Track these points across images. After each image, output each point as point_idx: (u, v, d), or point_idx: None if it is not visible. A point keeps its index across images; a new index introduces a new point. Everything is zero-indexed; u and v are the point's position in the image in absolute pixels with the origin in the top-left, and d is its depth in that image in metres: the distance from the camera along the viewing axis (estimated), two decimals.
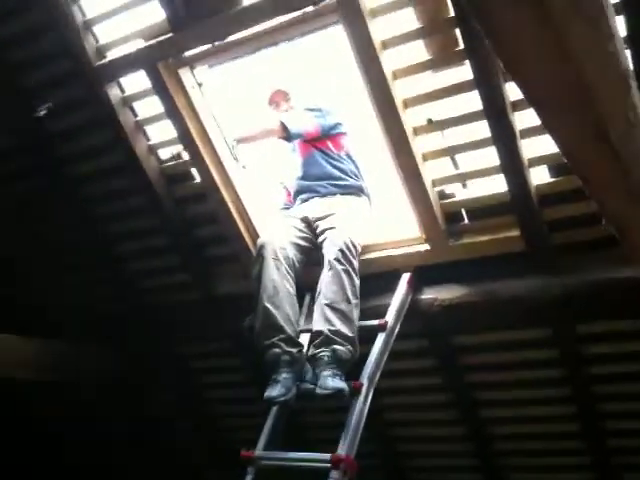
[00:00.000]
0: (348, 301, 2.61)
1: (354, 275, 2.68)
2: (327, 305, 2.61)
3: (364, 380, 2.55)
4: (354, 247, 2.71)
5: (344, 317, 2.58)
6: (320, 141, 3.10)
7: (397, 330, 2.80)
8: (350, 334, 2.57)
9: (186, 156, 3.21)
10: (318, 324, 2.61)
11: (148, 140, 3.28)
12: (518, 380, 3.21)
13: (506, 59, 1.25)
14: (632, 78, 1.16)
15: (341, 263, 2.65)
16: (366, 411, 2.53)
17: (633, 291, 2.47)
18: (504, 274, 2.82)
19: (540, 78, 1.23)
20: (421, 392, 3.52)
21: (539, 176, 2.64)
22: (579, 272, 2.67)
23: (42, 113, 3.07)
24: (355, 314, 2.63)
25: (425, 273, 2.96)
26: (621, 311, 2.66)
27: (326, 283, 2.66)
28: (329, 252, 2.70)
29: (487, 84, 2.43)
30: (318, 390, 2.47)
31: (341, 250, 2.67)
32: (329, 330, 2.55)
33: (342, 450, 2.39)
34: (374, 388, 2.60)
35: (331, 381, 2.45)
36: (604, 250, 2.58)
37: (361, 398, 2.51)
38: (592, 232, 2.63)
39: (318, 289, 2.71)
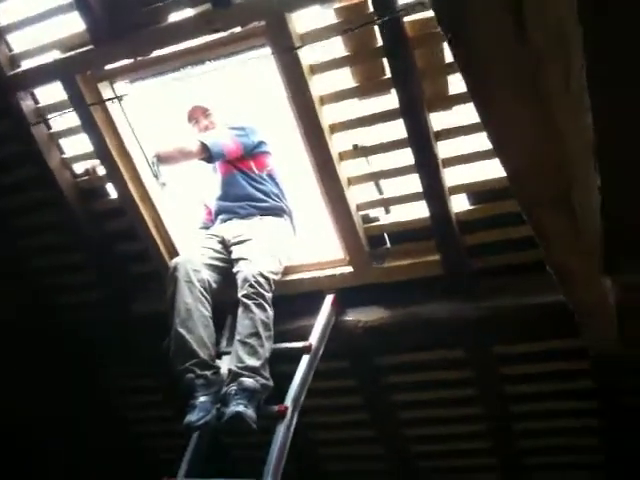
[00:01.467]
0: (258, 335, 2.59)
1: (267, 307, 2.66)
2: (239, 341, 2.60)
3: (288, 403, 2.53)
4: (266, 279, 2.69)
5: (252, 351, 2.56)
6: (242, 161, 3.06)
7: (321, 351, 2.81)
8: (257, 364, 2.54)
9: (102, 171, 3.09)
10: (230, 363, 2.61)
11: (62, 153, 3.14)
12: (436, 399, 3.29)
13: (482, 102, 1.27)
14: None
15: (251, 298, 2.63)
16: (291, 434, 2.52)
17: (551, 314, 2.58)
18: (424, 297, 2.89)
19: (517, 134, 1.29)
20: (343, 411, 3.54)
21: (459, 203, 2.72)
22: (495, 296, 2.77)
23: None
24: (267, 346, 2.61)
25: (349, 295, 2.99)
26: (540, 333, 2.77)
27: (239, 318, 2.65)
28: (240, 287, 2.68)
29: (412, 113, 2.49)
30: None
31: (251, 285, 2.65)
32: (237, 367, 2.53)
33: (267, 476, 2.36)
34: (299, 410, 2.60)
35: (233, 407, 2.42)
36: (520, 275, 2.69)
37: (286, 421, 2.49)
38: (508, 258, 2.73)
39: None
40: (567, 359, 2.91)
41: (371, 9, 2.33)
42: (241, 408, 2.41)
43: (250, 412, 2.43)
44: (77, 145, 3.13)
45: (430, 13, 2.30)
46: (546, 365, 2.99)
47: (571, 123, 1.14)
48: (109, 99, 2.83)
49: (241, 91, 3.03)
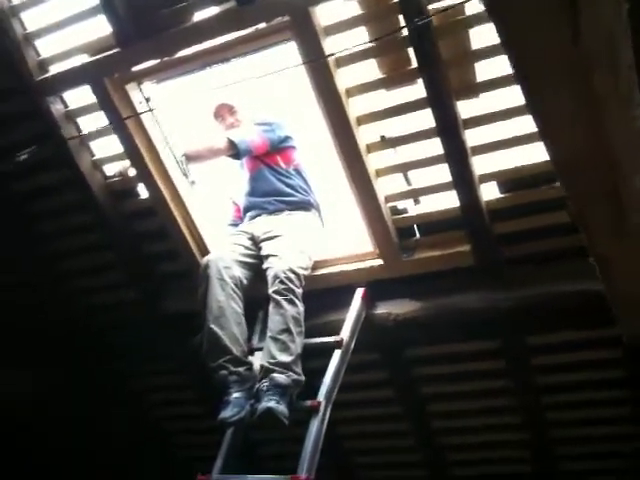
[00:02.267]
0: (289, 331, 2.60)
1: (297, 302, 2.67)
2: (270, 337, 2.61)
3: (321, 398, 2.53)
4: (296, 275, 2.70)
5: (284, 347, 2.57)
6: (269, 156, 3.07)
7: (353, 345, 2.81)
8: (288, 360, 2.54)
9: (133, 172, 3.13)
10: (262, 359, 2.62)
11: (93, 155, 3.18)
12: (469, 390, 3.27)
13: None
14: None
15: (282, 294, 2.64)
16: (324, 429, 2.52)
17: (583, 303, 2.56)
18: (456, 288, 2.87)
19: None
20: (375, 405, 3.54)
21: (489, 192, 2.70)
22: (526, 285, 2.75)
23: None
24: (298, 341, 2.61)
25: (379, 288, 2.98)
26: (572, 322, 2.74)
27: (270, 314, 2.66)
28: (271, 284, 2.69)
29: (439, 102, 2.47)
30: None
31: (281, 281, 2.66)
32: (268, 362, 2.55)
33: (302, 471, 2.37)
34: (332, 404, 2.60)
35: (265, 403, 2.44)
36: (554, 264, 2.67)
37: (319, 416, 2.49)
38: (540, 245, 2.70)
39: None
40: (600, 348, 2.88)
41: None
42: (272, 404, 2.42)
43: (282, 408, 2.44)
44: (107, 147, 3.16)
45: (453, 0, 2.29)
46: (579, 354, 2.95)
47: (620, 120, 1.17)
48: (142, 112, 2.86)
49: (268, 86, 3.03)
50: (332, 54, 2.40)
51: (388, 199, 2.85)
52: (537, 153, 2.52)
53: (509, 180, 2.65)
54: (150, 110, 2.86)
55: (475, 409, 3.34)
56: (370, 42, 2.40)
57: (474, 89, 2.48)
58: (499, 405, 3.29)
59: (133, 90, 2.88)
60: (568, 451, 3.33)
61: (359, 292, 2.96)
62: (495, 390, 3.23)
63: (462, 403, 3.35)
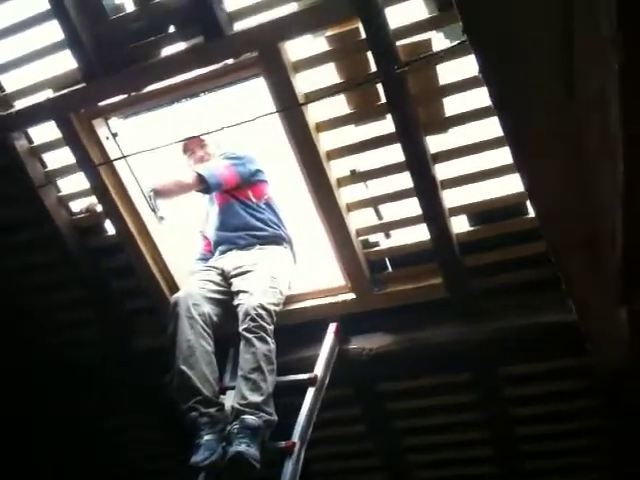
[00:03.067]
0: (260, 370, 2.54)
1: (269, 339, 2.62)
2: (241, 376, 2.56)
3: (296, 439, 2.48)
4: (267, 312, 2.66)
5: (255, 386, 2.51)
6: (239, 190, 3.05)
7: (327, 382, 2.76)
8: (259, 400, 2.48)
9: (99, 208, 3.07)
10: (233, 399, 2.57)
11: (58, 191, 3.11)
12: (442, 424, 3.24)
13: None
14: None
15: (253, 332, 2.60)
16: (300, 469, 2.46)
17: (554, 334, 2.57)
18: (428, 321, 2.86)
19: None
20: (349, 440, 3.48)
21: (459, 225, 2.71)
22: (500, 317, 2.75)
23: None
24: (269, 380, 2.56)
25: (352, 322, 2.96)
26: (543, 353, 2.75)
27: (241, 353, 2.61)
28: (241, 321, 2.65)
29: (408, 137, 2.48)
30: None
31: (252, 319, 2.61)
32: (239, 404, 2.49)
33: None
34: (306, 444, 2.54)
35: (235, 446, 2.37)
36: (525, 295, 2.68)
37: (293, 457, 2.43)
38: (512, 277, 2.72)
39: None
40: (571, 378, 2.89)
41: (363, 35, 2.33)
42: (243, 447, 2.36)
43: (252, 451, 2.37)
44: (73, 183, 3.10)
45: (421, 36, 2.32)
46: (551, 385, 2.96)
47: (605, 172, 1.18)
48: (116, 159, 2.81)
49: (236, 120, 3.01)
50: (304, 103, 2.42)
51: (359, 233, 2.84)
52: (506, 186, 2.55)
53: (479, 213, 2.67)
54: (124, 157, 2.81)
55: (448, 442, 3.31)
56: (342, 90, 2.41)
57: (443, 124, 2.50)
58: (472, 438, 3.27)
59: (100, 125, 2.84)
60: None
61: (332, 327, 2.93)
62: (468, 423, 3.21)
63: (435, 437, 3.32)
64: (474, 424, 3.20)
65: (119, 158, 2.78)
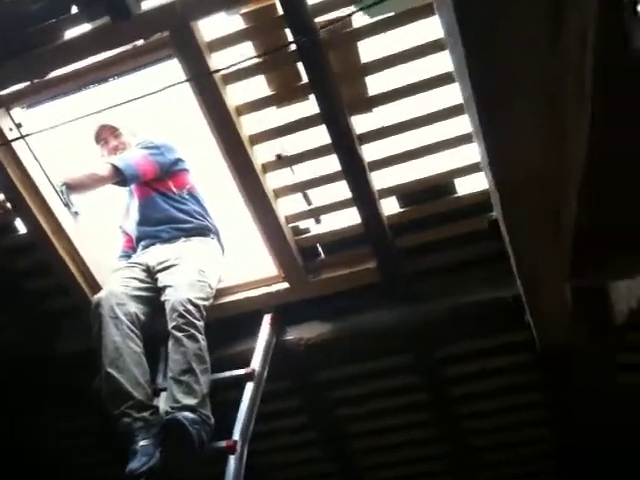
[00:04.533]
0: (192, 371, 2.40)
1: (199, 337, 2.49)
2: (172, 379, 2.42)
3: (237, 437, 2.36)
4: (196, 307, 2.52)
5: (188, 389, 2.38)
6: (159, 181, 2.89)
7: (265, 375, 2.67)
8: (193, 403, 2.35)
9: (9, 205, 2.85)
10: (165, 403, 2.43)
11: None
12: (386, 408, 3.21)
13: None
14: None
15: (182, 329, 2.46)
16: (243, 468, 2.35)
17: (490, 311, 2.58)
18: (364, 306, 2.80)
19: None
20: (291, 432, 3.41)
21: (390, 206, 2.65)
22: (435, 297, 2.72)
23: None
24: (203, 380, 2.42)
25: (288, 312, 2.87)
26: (479, 330, 2.74)
27: (170, 353, 2.47)
28: (169, 318, 2.50)
29: (333, 118, 2.39)
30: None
31: (180, 315, 2.48)
32: (171, 407, 2.34)
33: None
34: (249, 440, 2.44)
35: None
36: (459, 274, 2.67)
37: (236, 456, 2.32)
38: (445, 257, 2.69)
39: None
40: (510, 354, 2.89)
41: (280, 12, 2.21)
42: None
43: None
44: None
45: (340, 12, 2.22)
46: (490, 361, 2.95)
47: (574, 134, 1.12)
48: (12, 140, 2.58)
49: (152, 106, 2.84)
50: (216, 70, 2.26)
51: (289, 219, 2.74)
52: (435, 165, 2.50)
53: (409, 193, 2.61)
54: (22, 137, 2.58)
55: (392, 426, 3.28)
56: (255, 57, 2.29)
57: (368, 103, 2.42)
58: (416, 420, 3.26)
59: (1, 116, 2.61)
60: (488, 459, 3.34)
61: (267, 318, 2.83)
62: (411, 405, 3.19)
63: (379, 421, 3.28)
64: (416, 406, 3.19)
65: (17, 138, 2.54)
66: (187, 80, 2.28)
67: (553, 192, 1.39)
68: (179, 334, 2.46)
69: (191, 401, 2.35)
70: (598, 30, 0.91)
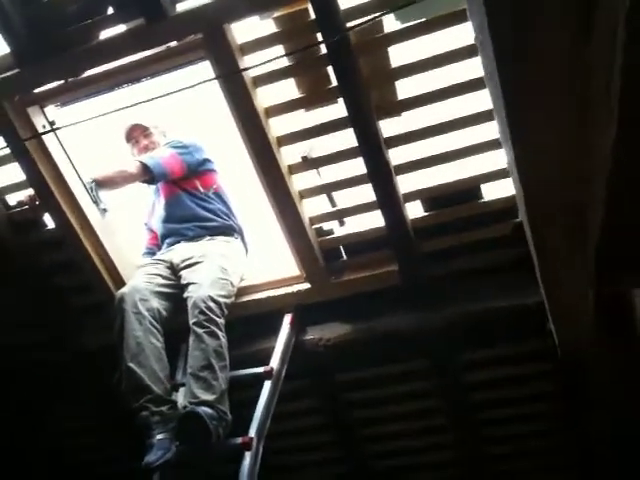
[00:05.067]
0: (211, 368, 2.44)
1: (219, 334, 2.52)
2: (191, 374, 2.45)
3: (253, 434, 2.40)
4: (217, 304, 2.56)
5: (206, 385, 2.41)
6: (186, 180, 2.93)
7: (283, 374, 2.70)
8: (211, 399, 2.38)
9: (37, 201, 2.90)
10: (183, 398, 2.47)
11: None
12: (403, 413, 3.21)
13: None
14: None
15: (202, 326, 2.49)
16: (258, 465, 2.38)
17: (512, 317, 2.58)
18: (385, 309, 2.82)
19: None
20: (308, 432, 3.42)
21: (414, 210, 2.67)
22: (456, 302, 2.73)
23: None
24: (221, 377, 2.45)
25: (308, 312, 2.89)
26: (499, 336, 2.74)
27: (190, 349, 2.51)
28: (191, 315, 2.54)
29: (361, 121, 2.42)
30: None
31: (202, 312, 2.51)
32: (190, 402, 2.38)
33: None
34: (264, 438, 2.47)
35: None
36: (482, 279, 2.66)
37: (252, 452, 2.36)
38: (467, 262, 2.69)
39: None
40: (531, 361, 2.89)
41: (312, 16, 2.25)
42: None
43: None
44: (9, 175, 2.92)
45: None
46: (510, 369, 2.95)
47: (601, 135, 1.13)
48: (43, 133, 2.64)
49: (184, 107, 2.89)
50: (246, 68, 2.30)
51: (313, 221, 2.77)
52: (460, 170, 2.52)
53: (433, 198, 2.63)
54: (53, 130, 2.64)
55: (409, 430, 3.29)
56: (285, 55, 2.32)
57: (396, 107, 2.45)
58: (433, 425, 3.25)
59: (35, 114, 2.67)
60: (504, 467, 3.33)
61: (287, 318, 2.86)
62: (428, 410, 3.19)
63: (395, 425, 3.29)
64: (435, 411, 3.18)
65: (48, 131, 2.60)
66: (217, 77, 2.32)
67: (579, 195, 1.39)
68: (200, 330, 2.50)
69: (209, 397, 2.38)
70: (628, 30, 0.92)
